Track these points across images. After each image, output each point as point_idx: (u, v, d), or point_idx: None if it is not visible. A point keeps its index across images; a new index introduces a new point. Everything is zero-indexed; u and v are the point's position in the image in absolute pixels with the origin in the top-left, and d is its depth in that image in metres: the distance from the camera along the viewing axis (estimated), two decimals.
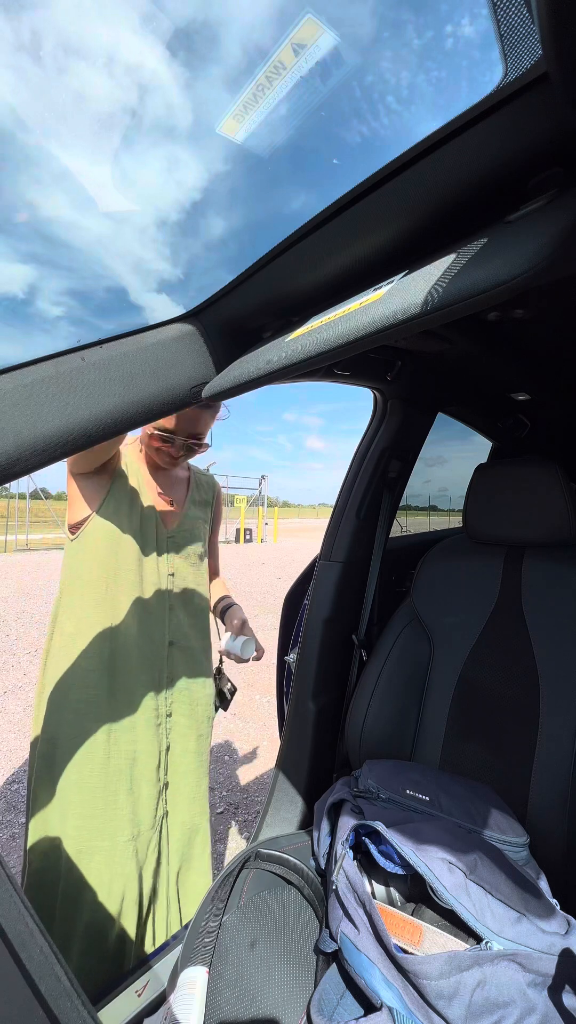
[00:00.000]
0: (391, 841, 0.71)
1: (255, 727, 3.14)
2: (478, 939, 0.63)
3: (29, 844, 1.02)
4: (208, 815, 1.21)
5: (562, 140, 0.46)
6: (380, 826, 0.74)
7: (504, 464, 1.13)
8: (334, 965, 0.68)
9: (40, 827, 1.02)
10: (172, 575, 1.17)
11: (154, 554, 1.14)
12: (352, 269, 0.68)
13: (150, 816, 1.08)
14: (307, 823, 1.20)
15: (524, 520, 1.07)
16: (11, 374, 0.62)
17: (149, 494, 1.17)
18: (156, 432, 1.11)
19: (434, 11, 0.45)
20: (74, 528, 1.11)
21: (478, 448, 1.92)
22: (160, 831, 1.11)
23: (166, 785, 1.13)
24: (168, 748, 1.14)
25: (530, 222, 0.47)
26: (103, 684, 1.06)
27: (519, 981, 0.58)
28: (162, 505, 1.20)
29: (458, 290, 0.44)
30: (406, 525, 1.81)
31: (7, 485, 0.73)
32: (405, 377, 1.17)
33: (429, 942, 0.64)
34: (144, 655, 1.11)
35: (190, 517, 1.24)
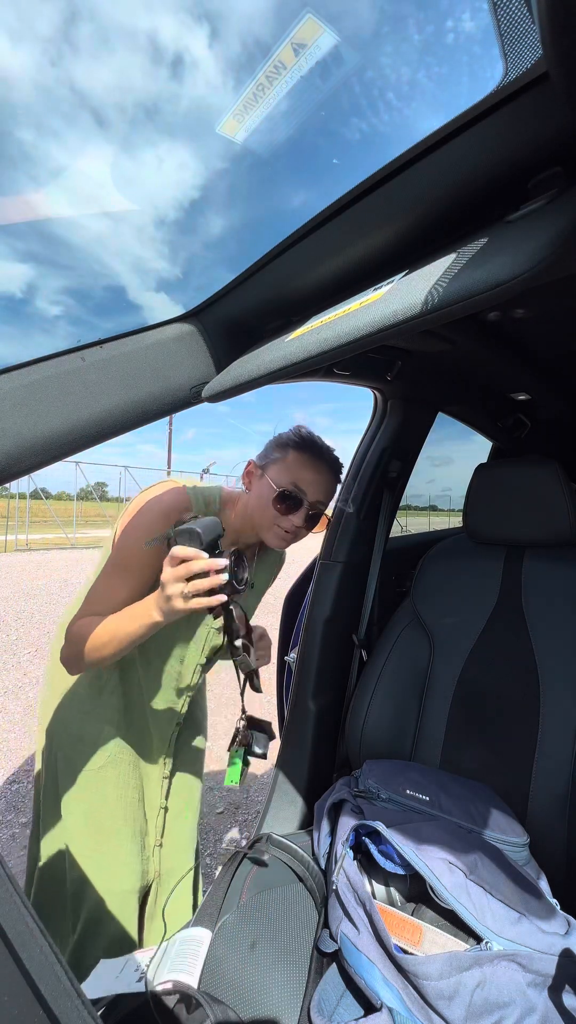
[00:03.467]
0: (391, 841, 0.71)
1: None
2: (478, 939, 0.63)
3: (39, 863, 1.00)
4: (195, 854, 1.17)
5: (562, 140, 0.46)
6: (380, 826, 0.74)
7: (504, 464, 1.13)
8: (334, 965, 0.68)
9: (47, 848, 0.99)
10: (203, 664, 1.08)
11: (192, 644, 1.04)
12: (352, 269, 0.68)
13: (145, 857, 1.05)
14: (307, 823, 1.20)
15: (524, 520, 1.07)
16: (11, 374, 0.62)
17: None
18: (285, 491, 0.93)
19: (434, 6, 0.45)
20: None
21: (478, 448, 1.93)
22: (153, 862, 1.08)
23: (160, 844, 1.09)
24: (166, 804, 1.10)
25: (530, 222, 0.47)
26: (113, 728, 1.02)
27: (519, 981, 0.58)
28: None
29: (458, 290, 0.44)
30: (406, 525, 1.81)
31: (7, 485, 0.72)
32: (405, 377, 1.17)
33: (429, 942, 0.64)
34: (155, 730, 1.07)
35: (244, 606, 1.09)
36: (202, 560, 0.73)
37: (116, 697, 1.02)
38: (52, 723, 1.03)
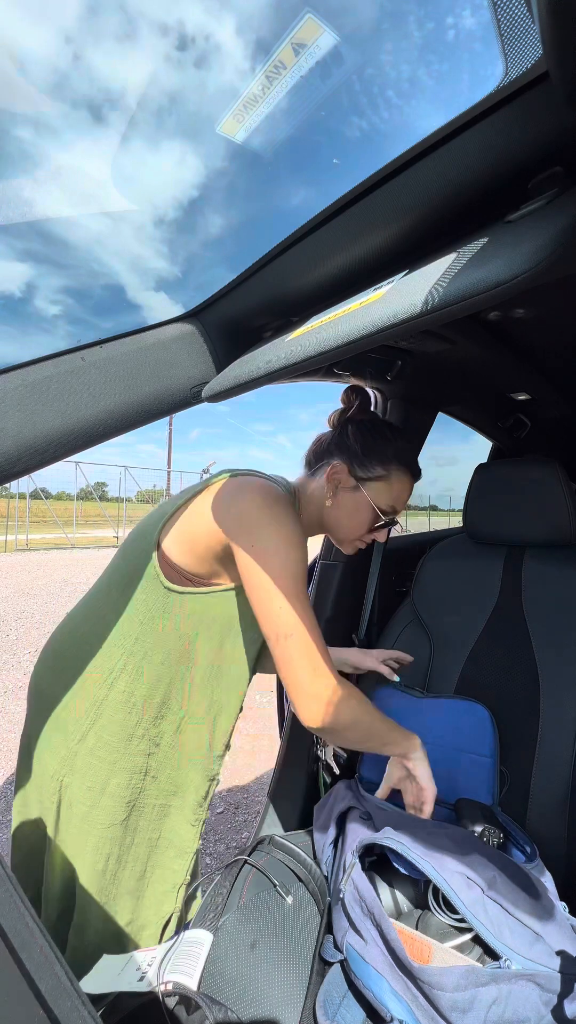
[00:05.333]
0: (409, 859, 0.68)
1: (255, 727, 3.14)
2: (494, 956, 0.61)
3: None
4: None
5: (562, 140, 0.46)
6: (396, 844, 0.71)
7: (504, 464, 1.13)
8: (337, 965, 0.67)
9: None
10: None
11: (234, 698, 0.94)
12: (352, 269, 0.68)
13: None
14: (307, 823, 1.20)
15: (524, 520, 1.07)
16: (11, 374, 0.62)
17: None
18: (386, 520, 0.90)
19: (435, 2, 0.45)
20: (187, 577, 0.83)
21: (478, 448, 1.93)
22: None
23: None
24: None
25: (530, 222, 0.46)
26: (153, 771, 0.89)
27: (535, 1001, 0.56)
28: None
29: (458, 290, 0.44)
30: (406, 525, 1.81)
31: (7, 485, 0.72)
32: (405, 377, 1.17)
33: (439, 961, 0.62)
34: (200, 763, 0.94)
35: None
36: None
37: (146, 742, 0.87)
38: (68, 774, 0.85)
